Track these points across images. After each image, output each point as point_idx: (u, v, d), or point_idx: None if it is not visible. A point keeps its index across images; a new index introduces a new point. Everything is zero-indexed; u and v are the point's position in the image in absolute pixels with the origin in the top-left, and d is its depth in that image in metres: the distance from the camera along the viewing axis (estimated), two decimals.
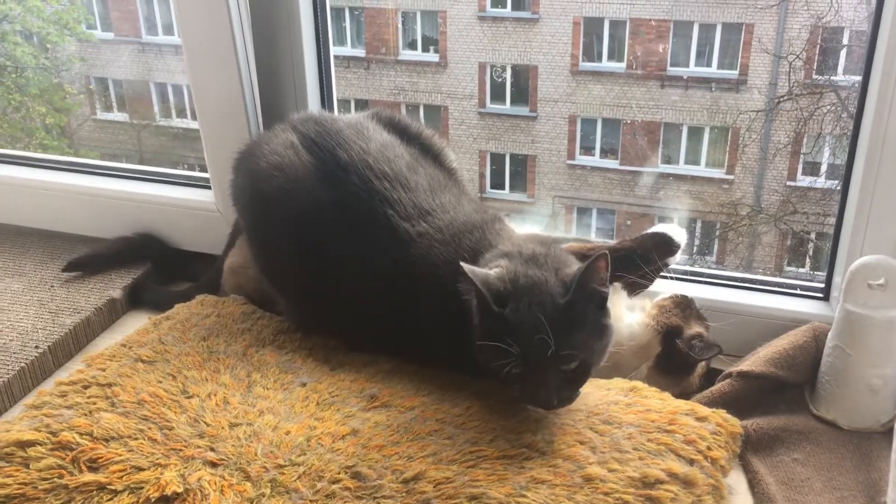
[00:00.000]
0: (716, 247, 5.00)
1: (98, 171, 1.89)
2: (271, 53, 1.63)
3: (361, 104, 5.57)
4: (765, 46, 4.75)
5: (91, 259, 1.76)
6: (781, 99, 4.76)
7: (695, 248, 4.97)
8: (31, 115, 6.14)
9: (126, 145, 6.80)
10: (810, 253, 4.71)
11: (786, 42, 4.64)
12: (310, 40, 1.65)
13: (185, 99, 6.51)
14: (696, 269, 1.69)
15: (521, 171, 5.45)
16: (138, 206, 1.79)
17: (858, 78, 4.60)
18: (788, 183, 4.78)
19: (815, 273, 4.58)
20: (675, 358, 1.44)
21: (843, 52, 4.49)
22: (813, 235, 4.71)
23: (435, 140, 1.55)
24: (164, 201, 1.79)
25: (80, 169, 1.90)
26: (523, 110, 5.56)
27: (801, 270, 4.69)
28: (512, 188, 5.17)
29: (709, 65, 5.03)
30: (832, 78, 4.51)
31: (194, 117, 6.07)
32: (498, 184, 5.50)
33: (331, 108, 1.73)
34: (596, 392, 1.32)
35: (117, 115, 6.78)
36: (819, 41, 4.56)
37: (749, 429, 1.35)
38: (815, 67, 4.59)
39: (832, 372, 1.39)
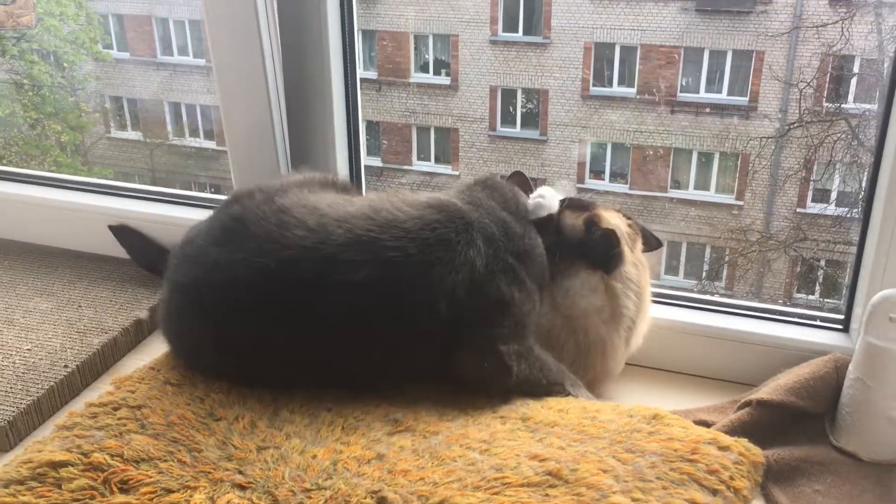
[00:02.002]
0: (725, 272, 5.01)
1: (125, 193, 1.91)
2: (300, 76, 1.66)
3: (372, 126, 5.62)
4: (775, 73, 4.78)
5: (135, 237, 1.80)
6: (792, 126, 4.77)
7: (704, 274, 4.99)
8: (46, 133, 6.20)
9: (139, 163, 6.85)
10: (820, 279, 4.72)
11: (796, 69, 4.67)
12: (338, 63, 1.67)
13: (199, 119, 6.58)
14: (719, 298, 1.70)
15: None
16: (165, 229, 1.81)
17: (869, 106, 4.61)
18: (798, 210, 4.80)
19: (826, 300, 4.58)
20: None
21: (853, 81, 4.52)
22: (823, 262, 4.72)
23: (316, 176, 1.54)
24: (191, 224, 1.81)
25: (108, 191, 1.93)
26: (534, 134, 5.59)
27: (811, 297, 4.70)
28: None
29: (719, 91, 5.06)
30: (842, 106, 4.54)
31: (207, 137, 6.06)
32: None
33: (356, 130, 1.76)
34: (618, 419, 1.33)
35: (131, 134, 6.85)
36: (829, 69, 4.59)
37: (770, 459, 1.35)
38: (825, 95, 4.62)
39: (852, 403, 1.40)
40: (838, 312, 1.65)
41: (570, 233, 1.51)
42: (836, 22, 4.49)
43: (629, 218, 1.59)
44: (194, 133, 6.58)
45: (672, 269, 5.07)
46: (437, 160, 5.93)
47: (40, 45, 5.98)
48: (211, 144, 6.47)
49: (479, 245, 1.35)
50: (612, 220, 1.54)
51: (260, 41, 1.60)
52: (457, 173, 5.85)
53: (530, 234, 1.47)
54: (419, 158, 5.90)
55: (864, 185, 4.53)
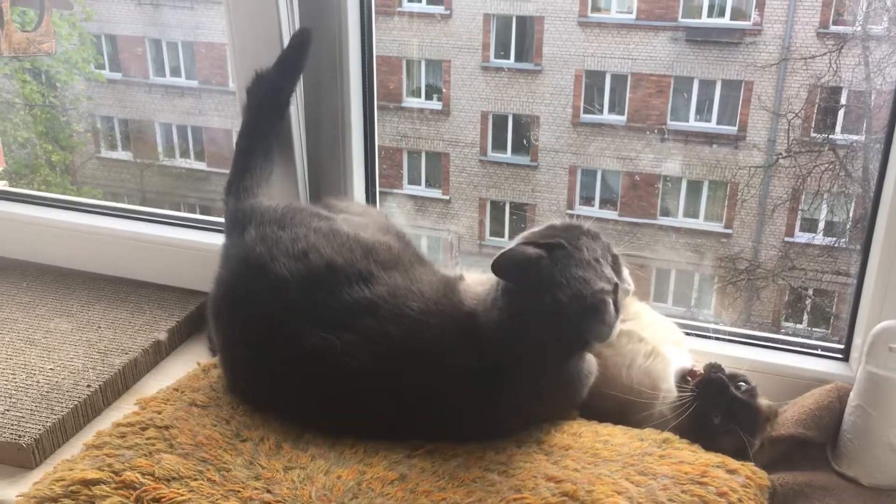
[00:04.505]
0: (713, 301, 5.05)
1: (144, 217, 1.94)
2: (319, 105, 1.70)
3: None
4: (764, 104, 4.84)
5: None
6: (780, 156, 4.82)
7: (693, 302, 5.03)
8: (36, 153, 6.20)
9: (129, 184, 6.86)
10: (808, 309, 4.76)
11: (785, 100, 4.73)
12: (357, 92, 1.72)
13: (190, 140, 6.60)
14: (722, 326, 1.74)
15: (520, 220, 5.52)
16: (186, 253, 1.84)
17: (856, 137, 4.65)
18: (786, 239, 4.85)
19: (814, 329, 4.61)
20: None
21: (841, 112, 4.59)
22: (811, 292, 4.76)
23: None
24: (211, 248, 1.83)
25: (126, 215, 1.96)
26: (524, 159, 5.64)
27: (799, 326, 4.72)
28: (511, 236, 5.23)
29: (708, 120, 5.12)
30: (830, 136, 4.59)
31: (197, 158, 6.05)
32: (497, 231, 5.55)
33: (372, 155, 1.80)
34: (630, 443, 1.38)
35: (121, 154, 6.85)
36: (817, 100, 4.66)
37: (775, 483, 1.40)
38: (813, 126, 4.68)
39: (854, 430, 1.45)
40: (826, 342, 1.69)
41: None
42: (825, 54, 4.55)
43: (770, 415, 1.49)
44: (185, 154, 6.60)
45: (661, 297, 5.10)
46: (428, 184, 5.96)
47: (32, 65, 5.99)
48: (201, 165, 6.49)
49: None
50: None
51: None
52: (447, 198, 5.88)
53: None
54: (410, 182, 5.94)
55: (850, 215, 4.61)
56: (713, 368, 1.43)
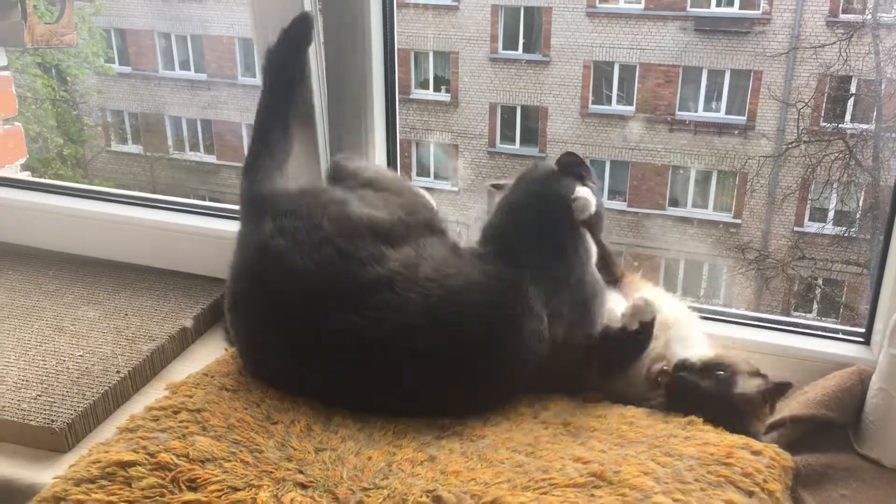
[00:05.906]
0: (723, 290, 5.06)
1: (167, 205, 1.95)
2: (342, 89, 1.71)
3: None
4: (773, 93, 4.85)
5: None
6: (790, 145, 4.82)
7: (702, 291, 5.04)
8: (48, 146, 6.24)
9: (139, 177, 6.89)
10: (818, 298, 4.77)
11: (794, 89, 4.74)
12: (379, 80, 1.73)
13: (199, 133, 6.62)
14: (744, 311, 1.74)
15: None
16: (209, 241, 1.85)
17: (866, 126, 4.61)
18: (796, 228, 4.85)
19: (823, 318, 4.62)
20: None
21: (850, 101, 4.59)
22: (820, 281, 4.76)
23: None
24: (234, 237, 1.84)
25: (149, 203, 1.96)
26: (533, 151, 5.66)
27: (809, 315, 4.73)
28: None
29: (717, 110, 5.12)
30: (840, 125, 4.59)
31: (207, 151, 5.99)
32: None
33: (394, 142, 1.80)
34: (655, 425, 1.39)
35: (131, 147, 6.88)
36: (827, 89, 4.66)
37: (799, 464, 1.41)
38: (822, 115, 4.69)
39: (876, 413, 1.46)
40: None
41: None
42: (834, 43, 4.56)
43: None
44: (194, 147, 6.63)
45: (670, 287, 5.11)
46: (437, 176, 5.98)
47: (43, 59, 6.01)
48: (211, 158, 6.52)
49: None
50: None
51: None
52: (456, 189, 5.89)
53: None
54: (419, 174, 5.96)
55: (860, 204, 4.62)
56: (678, 367, 1.35)
